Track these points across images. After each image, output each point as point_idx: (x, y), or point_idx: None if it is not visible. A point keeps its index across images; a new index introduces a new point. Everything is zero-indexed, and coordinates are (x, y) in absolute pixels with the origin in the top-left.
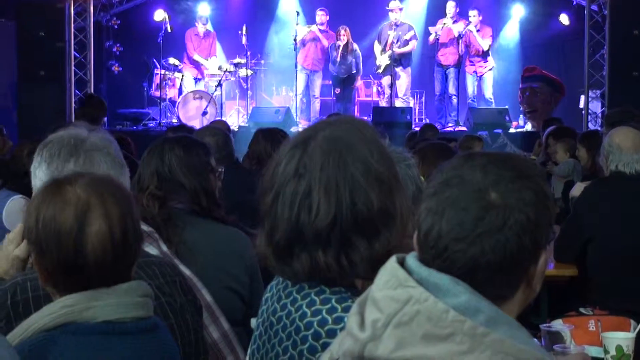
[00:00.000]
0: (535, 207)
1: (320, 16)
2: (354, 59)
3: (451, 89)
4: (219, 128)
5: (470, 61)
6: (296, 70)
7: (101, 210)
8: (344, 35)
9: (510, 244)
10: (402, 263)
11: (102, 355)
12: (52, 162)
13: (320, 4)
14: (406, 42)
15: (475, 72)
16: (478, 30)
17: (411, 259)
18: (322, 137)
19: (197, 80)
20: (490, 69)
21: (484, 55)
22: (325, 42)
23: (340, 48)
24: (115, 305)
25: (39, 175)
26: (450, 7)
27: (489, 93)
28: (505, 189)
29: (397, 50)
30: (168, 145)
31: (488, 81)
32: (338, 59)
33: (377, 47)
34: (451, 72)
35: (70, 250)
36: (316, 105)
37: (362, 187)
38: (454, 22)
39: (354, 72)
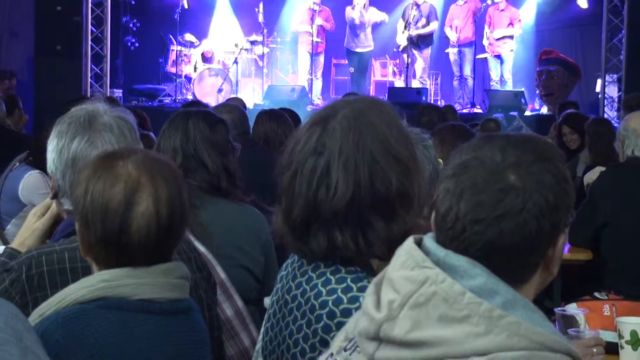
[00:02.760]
0: (554, 190)
1: None
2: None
3: (467, 70)
4: (236, 105)
5: (491, 43)
6: (297, 52)
7: (150, 190)
8: None
9: (529, 226)
10: (419, 244)
11: (134, 332)
12: (60, 139)
13: None
14: (426, 23)
15: (496, 54)
16: (502, 10)
17: (429, 240)
18: (341, 116)
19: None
20: (511, 50)
21: (506, 36)
22: (323, 23)
23: (359, 6)
24: (152, 285)
25: (49, 149)
26: None
27: (507, 74)
28: (525, 172)
29: (414, 31)
30: (193, 120)
31: (508, 63)
32: (356, 19)
33: (400, 25)
34: (467, 53)
35: (115, 227)
36: (329, 85)
37: (380, 167)
38: (465, 2)
39: (370, 48)
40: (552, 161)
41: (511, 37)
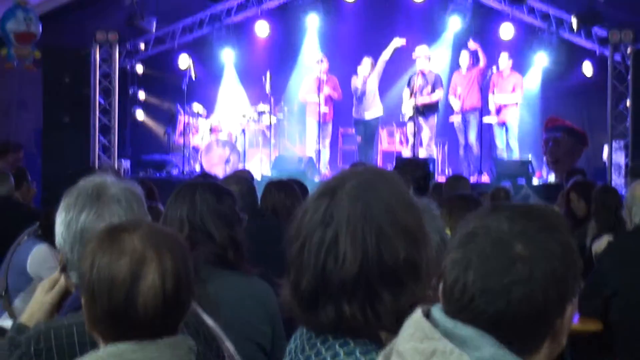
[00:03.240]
0: (561, 259)
1: (322, 64)
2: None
3: (471, 138)
4: (243, 177)
5: (497, 109)
6: (304, 121)
7: (156, 264)
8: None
9: (537, 296)
10: (427, 315)
11: None
12: (68, 212)
13: (342, 49)
14: (432, 92)
15: (501, 122)
16: (507, 76)
17: (437, 311)
18: (349, 187)
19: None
20: (515, 118)
21: (511, 102)
22: (330, 92)
23: (362, 74)
24: (158, 359)
25: (58, 222)
26: (464, 57)
27: (513, 141)
28: (532, 241)
29: (420, 100)
30: (200, 191)
31: (513, 130)
32: (359, 88)
33: (406, 93)
34: (471, 120)
35: (121, 301)
36: (336, 155)
37: (388, 238)
38: (468, 69)
39: (378, 114)
40: (559, 230)
41: (515, 104)
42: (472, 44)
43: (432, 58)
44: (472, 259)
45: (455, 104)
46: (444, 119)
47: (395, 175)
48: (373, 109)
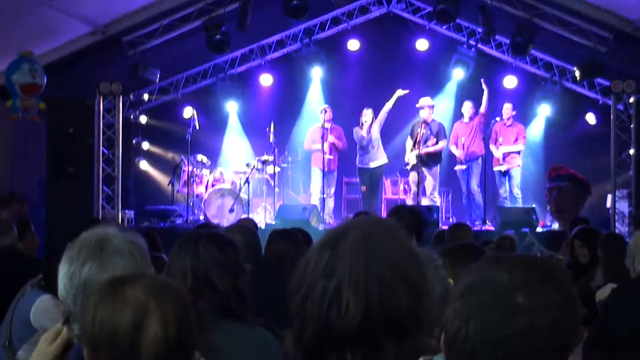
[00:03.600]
0: (562, 310)
1: (326, 114)
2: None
3: (474, 185)
4: (247, 226)
5: (497, 159)
6: (310, 171)
7: (159, 315)
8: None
9: (538, 347)
10: None
11: None
12: (71, 264)
13: (346, 99)
14: (435, 142)
15: (504, 170)
16: (509, 126)
17: None
18: (352, 238)
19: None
20: (518, 166)
21: (514, 151)
22: (335, 141)
23: (366, 125)
24: None
25: (60, 275)
26: (467, 107)
27: (516, 189)
28: (532, 292)
29: (424, 150)
30: (203, 242)
31: (516, 179)
32: (365, 137)
33: (409, 143)
34: (474, 168)
35: (124, 353)
36: (340, 203)
37: (390, 288)
38: (470, 118)
39: (383, 162)
40: (559, 281)
41: (518, 152)
42: (468, 103)
43: (435, 108)
44: (473, 310)
45: (457, 153)
46: (447, 168)
47: (397, 226)
48: (378, 158)
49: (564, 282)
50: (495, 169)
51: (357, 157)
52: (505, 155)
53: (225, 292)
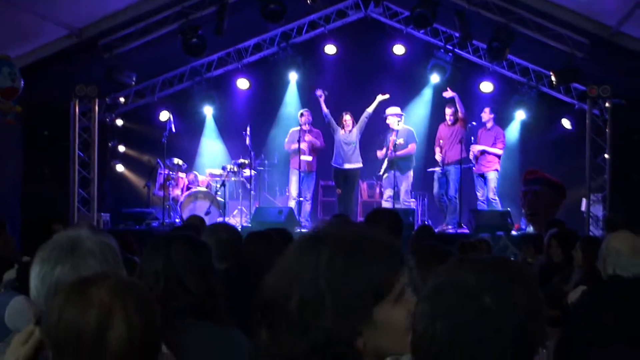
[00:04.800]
0: (528, 312)
1: (305, 117)
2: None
3: (452, 190)
4: (228, 226)
5: (479, 161)
6: (289, 172)
7: (123, 315)
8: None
9: (504, 348)
10: None
11: None
12: (43, 266)
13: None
14: (405, 145)
15: (481, 173)
16: (489, 129)
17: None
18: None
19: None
20: (495, 170)
21: (492, 154)
22: (313, 141)
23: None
24: None
25: (32, 276)
26: (447, 111)
27: (492, 194)
28: (500, 294)
29: (396, 154)
30: (175, 244)
31: (492, 182)
32: (340, 141)
33: (382, 150)
34: (452, 173)
35: (89, 353)
36: (317, 206)
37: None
38: (452, 123)
39: (358, 165)
40: (526, 283)
41: (497, 156)
42: (449, 92)
43: (409, 113)
44: (440, 311)
45: (437, 155)
46: (424, 172)
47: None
48: (353, 161)
49: (531, 285)
50: (475, 171)
51: (333, 157)
52: (482, 159)
53: (197, 293)
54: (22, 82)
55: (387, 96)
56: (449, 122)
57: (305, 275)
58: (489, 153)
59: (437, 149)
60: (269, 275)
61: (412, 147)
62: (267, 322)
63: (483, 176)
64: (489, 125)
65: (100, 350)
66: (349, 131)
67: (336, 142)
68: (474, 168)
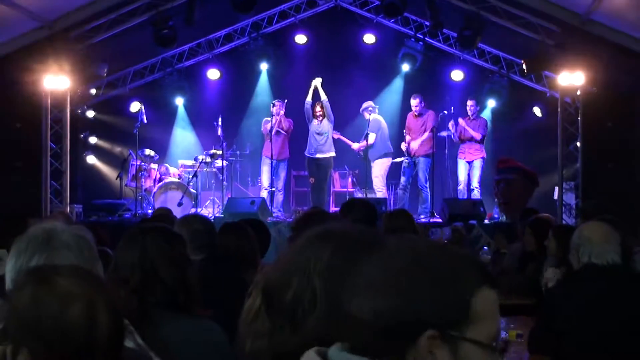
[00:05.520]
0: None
1: (277, 107)
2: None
3: (422, 180)
4: (202, 217)
5: (462, 149)
6: (260, 162)
7: (103, 304)
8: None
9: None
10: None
11: None
12: (19, 258)
13: (294, 95)
14: (366, 137)
15: (468, 160)
16: (474, 119)
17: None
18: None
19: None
20: (482, 157)
21: (477, 142)
22: (285, 127)
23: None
24: None
25: (8, 269)
26: (414, 101)
27: (475, 182)
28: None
29: (359, 145)
30: (150, 236)
31: (476, 170)
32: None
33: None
34: (421, 163)
35: (78, 346)
36: (290, 196)
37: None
38: (419, 115)
39: (331, 154)
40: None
41: (479, 143)
42: (413, 101)
43: (380, 104)
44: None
45: (403, 146)
46: (396, 162)
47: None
48: (325, 151)
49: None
50: (462, 159)
51: (307, 146)
52: (468, 147)
53: (173, 285)
54: None
55: (319, 79)
56: (415, 114)
57: (303, 272)
58: (471, 139)
59: (406, 139)
60: (272, 264)
61: (371, 137)
62: (267, 311)
63: (468, 164)
64: (473, 117)
65: (91, 342)
66: (320, 121)
67: (310, 133)
68: (460, 155)
